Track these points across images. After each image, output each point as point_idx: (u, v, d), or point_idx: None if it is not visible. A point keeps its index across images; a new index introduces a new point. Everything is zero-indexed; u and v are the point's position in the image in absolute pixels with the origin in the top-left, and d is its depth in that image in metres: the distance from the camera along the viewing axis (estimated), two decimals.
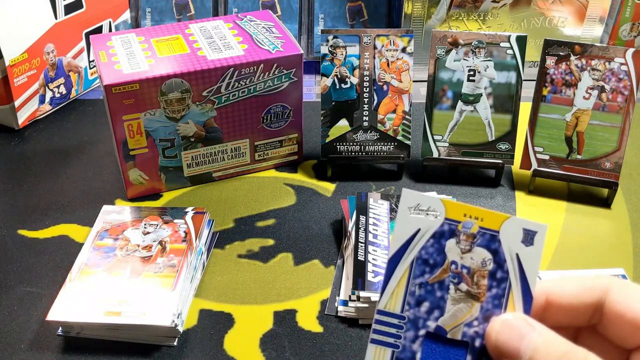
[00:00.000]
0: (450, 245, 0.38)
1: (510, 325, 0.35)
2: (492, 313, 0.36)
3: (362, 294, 0.58)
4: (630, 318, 0.33)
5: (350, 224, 0.65)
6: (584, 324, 0.36)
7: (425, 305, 0.38)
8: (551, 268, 0.66)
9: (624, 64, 0.70)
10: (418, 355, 0.39)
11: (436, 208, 0.38)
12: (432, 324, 0.38)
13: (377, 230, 0.64)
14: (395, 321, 0.39)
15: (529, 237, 0.38)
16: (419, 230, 0.39)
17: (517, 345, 0.34)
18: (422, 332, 0.38)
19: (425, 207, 0.39)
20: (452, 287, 0.38)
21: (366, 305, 0.58)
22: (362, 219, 0.65)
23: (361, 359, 0.55)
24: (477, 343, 0.37)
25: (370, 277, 0.59)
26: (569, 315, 0.36)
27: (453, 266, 0.38)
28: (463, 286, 0.38)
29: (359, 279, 0.59)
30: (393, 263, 0.39)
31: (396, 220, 0.39)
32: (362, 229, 0.64)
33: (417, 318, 0.39)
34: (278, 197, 0.75)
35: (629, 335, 0.34)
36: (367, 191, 0.75)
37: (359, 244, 0.62)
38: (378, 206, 0.67)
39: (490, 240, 0.38)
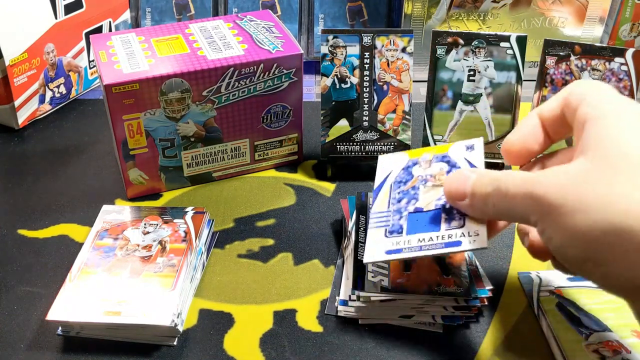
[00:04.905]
0: (415, 169, 0.57)
1: (457, 173, 0.49)
2: None
3: (362, 293, 0.57)
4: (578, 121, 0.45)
5: (350, 224, 0.65)
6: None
7: (405, 200, 0.55)
8: (551, 268, 0.65)
9: (624, 64, 0.70)
10: (405, 225, 0.52)
11: (402, 155, 0.60)
12: (411, 208, 0.53)
13: None
14: (384, 214, 0.55)
15: (470, 148, 0.55)
16: (392, 171, 0.58)
17: (462, 187, 0.47)
18: (405, 213, 0.53)
19: (395, 156, 0.60)
20: (421, 186, 0.55)
21: (366, 305, 0.57)
22: (362, 218, 0.64)
23: (361, 359, 0.55)
24: (447, 206, 0.51)
25: (370, 277, 0.59)
26: (560, 125, 0.49)
27: (419, 177, 0.56)
28: (429, 183, 0.54)
29: (359, 279, 0.59)
30: (377, 191, 0.58)
31: (377, 166, 0.61)
32: (362, 228, 0.63)
33: (399, 208, 0.54)
34: (278, 197, 0.75)
35: (560, 128, 0.49)
36: (367, 191, 0.75)
37: (359, 243, 0.62)
38: None
39: (443, 158, 0.56)
